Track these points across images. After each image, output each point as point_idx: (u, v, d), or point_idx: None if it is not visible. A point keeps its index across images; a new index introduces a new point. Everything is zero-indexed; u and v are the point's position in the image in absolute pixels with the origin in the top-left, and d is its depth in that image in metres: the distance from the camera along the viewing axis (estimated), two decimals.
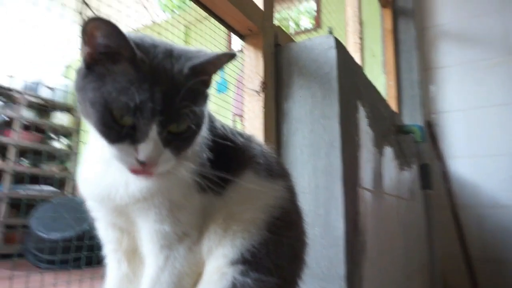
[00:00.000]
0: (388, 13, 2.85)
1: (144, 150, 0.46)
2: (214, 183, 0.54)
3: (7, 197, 3.74)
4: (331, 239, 0.97)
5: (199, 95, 0.52)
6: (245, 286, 0.51)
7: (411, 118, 2.68)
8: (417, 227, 1.96)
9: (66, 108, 4.63)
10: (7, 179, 3.84)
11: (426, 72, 2.94)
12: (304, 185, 1.04)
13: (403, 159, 1.78)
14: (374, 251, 1.22)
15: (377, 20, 2.89)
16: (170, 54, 0.50)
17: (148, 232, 0.54)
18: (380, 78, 2.78)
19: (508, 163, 2.61)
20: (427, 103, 2.88)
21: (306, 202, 1.04)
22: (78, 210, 3.67)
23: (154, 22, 3.76)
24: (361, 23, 2.13)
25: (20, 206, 3.57)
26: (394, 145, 1.66)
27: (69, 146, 4.65)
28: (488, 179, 2.65)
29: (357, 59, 2.06)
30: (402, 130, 1.77)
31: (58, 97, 4.55)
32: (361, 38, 2.09)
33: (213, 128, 0.59)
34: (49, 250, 2.84)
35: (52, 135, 4.55)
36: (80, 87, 0.49)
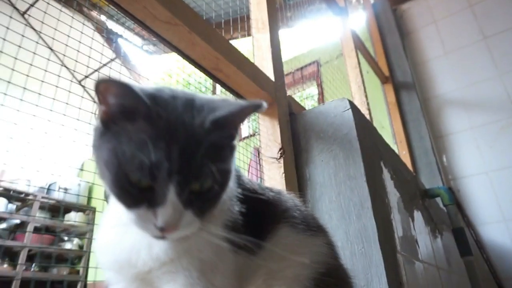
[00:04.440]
0: (389, 88, 2.96)
1: (163, 214, 0.41)
2: (248, 241, 0.47)
3: None
4: None
5: (223, 149, 0.47)
6: None
7: (431, 185, 2.60)
8: None
9: (79, 208, 4.61)
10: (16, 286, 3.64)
11: (437, 140, 2.94)
12: None
13: (433, 225, 1.67)
14: None
15: (380, 95, 2.99)
16: (191, 105, 0.46)
17: None
18: (393, 148, 2.78)
19: None
20: (444, 169, 2.82)
21: None
22: None
23: None
24: (366, 96, 2.19)
25: None
26: (422, 210, 1.57)
27: (80, 247, 4.52)
28: None
29: None
30: (428, 194, 1.69)
31: (71, 198, 4.57)
32: (369, 110, 2.13)
33: (241, 182, 0.55)
34: None
35: (64, 237, 4.45)
36: (96, 146, 0.46)
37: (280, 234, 0.53)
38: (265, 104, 0.48)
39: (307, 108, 1.32)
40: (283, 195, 0.61)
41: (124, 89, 0.42)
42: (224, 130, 0.46)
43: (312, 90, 4.10)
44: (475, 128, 2.87)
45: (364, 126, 1.14)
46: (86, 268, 4.45)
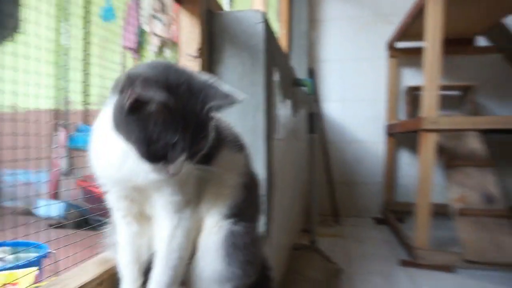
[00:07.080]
0: None
1: (173, 168, 0.62)
2: (205, 168, 0.71)
3: None
4: None
5: (211, 122, 0.66)
6: (239, 232, 0.74)
7: (298, 66, 3.05)
8: (301, 161, 2.42)
9: None
10: None
11: (312, 24, 3.29)
12: None
13: (295, 109, 2.13)
14: (278, 181, 1.56)
15: None
16: (191, 91, 0.61)
17: (164, 203, 0.70)
18: (275, 26, 3.02)
19: (368, 107, 3.27)
20: (311, 52, 3.28)
21: None
22: None
23: None
24: None
25: None
26: (290, 98, 1.98)
27: None
28: (351, 120, 3.30)
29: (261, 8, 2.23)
30: (297, 83, 2.09)
31: None
32: None
33: None
34: None
35: None
36: (123, 122, 0.59)
37: (223, 155, 0.77)
38: (245, 97, 0.66)
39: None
40: (221, 122, 0.83)
41: (153, 93, 0.56)
42: (214, 111, 0.65)
43: None
44: (344, 19, 3.30)
45: (270, 38, 1.34)
46: None
